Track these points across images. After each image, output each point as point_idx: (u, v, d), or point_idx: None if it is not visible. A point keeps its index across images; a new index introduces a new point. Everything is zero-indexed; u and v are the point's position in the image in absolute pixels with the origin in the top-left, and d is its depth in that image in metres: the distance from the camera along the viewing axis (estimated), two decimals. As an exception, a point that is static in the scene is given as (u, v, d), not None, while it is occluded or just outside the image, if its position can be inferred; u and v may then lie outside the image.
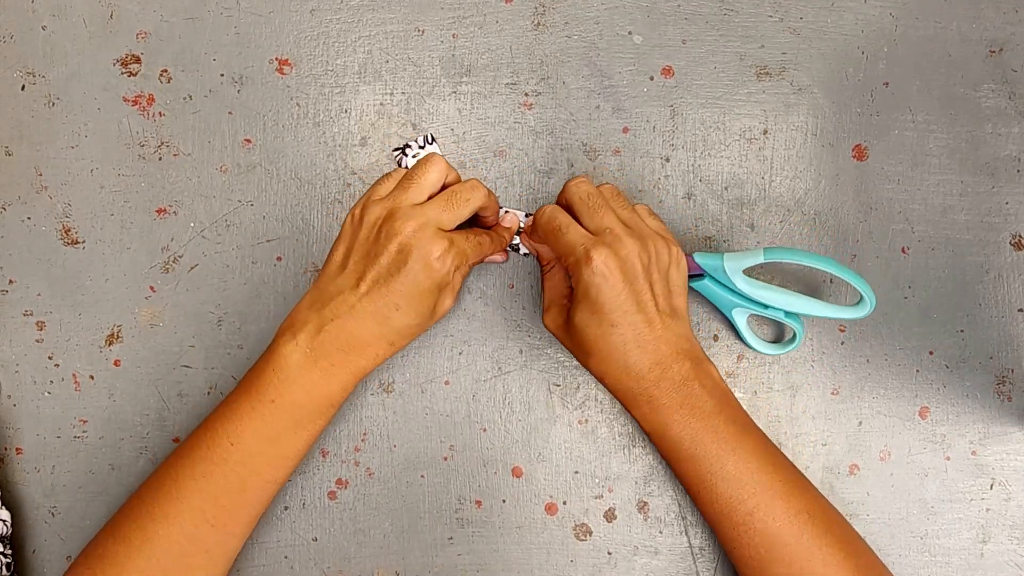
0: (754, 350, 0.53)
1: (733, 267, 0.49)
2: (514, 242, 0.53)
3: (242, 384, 0.46)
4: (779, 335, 0.54)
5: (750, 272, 0.51)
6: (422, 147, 0.53)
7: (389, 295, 0.45)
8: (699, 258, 0.51)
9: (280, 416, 0.45)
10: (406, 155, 0.53)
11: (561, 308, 0.50)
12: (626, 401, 0.48)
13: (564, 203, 0.49)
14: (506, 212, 0.53)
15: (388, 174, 0.49)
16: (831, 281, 0.54)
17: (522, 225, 0.53)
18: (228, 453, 0.45)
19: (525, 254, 0.53)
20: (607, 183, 0.50)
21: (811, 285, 0.54)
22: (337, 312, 0.45)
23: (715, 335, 0.54)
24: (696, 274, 0.51)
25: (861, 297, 0.49)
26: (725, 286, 0.51)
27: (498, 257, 0.52)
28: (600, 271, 0.45)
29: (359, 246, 0.46)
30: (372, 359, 0.47)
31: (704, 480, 0.46)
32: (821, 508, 0.46)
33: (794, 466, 0.48)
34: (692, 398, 0.46)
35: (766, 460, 0.46)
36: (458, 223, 0.47)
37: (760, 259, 0.49)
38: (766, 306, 0.51)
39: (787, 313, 0.51)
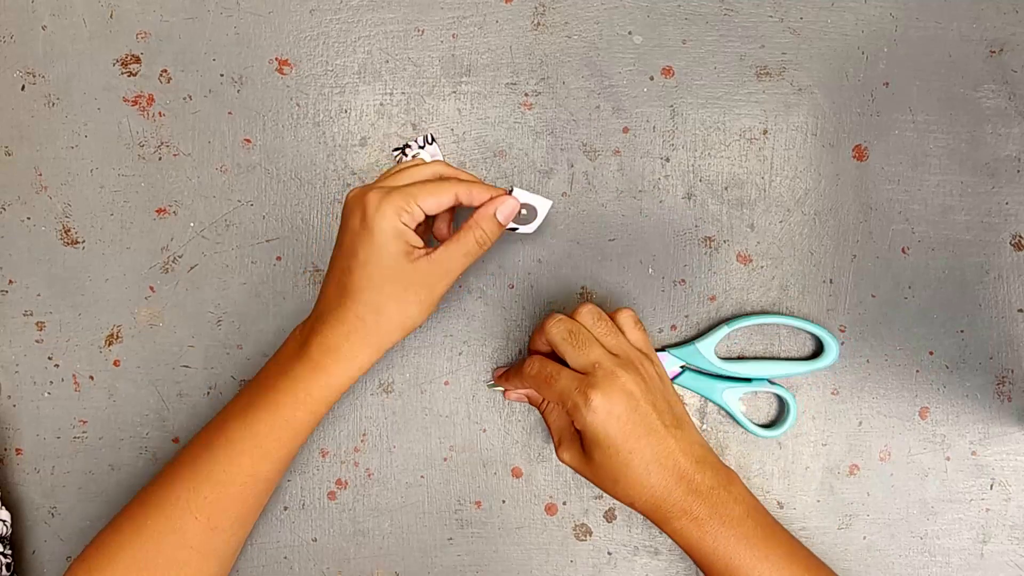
0: (754, 434, 0.53)
1: (706, 346, 0.52)
2: (522, 210, 0.48)
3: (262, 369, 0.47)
4: (779, 412, 0.54)
5: (724, 353, 0.53)
6: (422, 147, 0.53)
7: (340, 259, 0.44)
8: (673, 352, 0.52)
9: (272, 406, 0.45)
10: (405, 155, 0.53)
11: (572, 440, 0.48)
12: (658, 520, 0.47)
13: (545, 342, 0.48)
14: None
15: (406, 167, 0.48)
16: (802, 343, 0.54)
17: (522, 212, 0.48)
18: (213, 437, 0.45)
19: (516, 230, 0.49)
20: (586, 304, 0.48)
21: (802, 346, 0.54)
22: (319, 313, 0.46)
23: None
24: (674, 376, 0.53)
25: (824, 347, 0.52)
26: (706, 372, 0.52)
27: (507, 207, 0.46)
28: (602, 411, 0.44)
29: (338, 233, 0.46)
30: (352, 363, 0.45)
31: None
32: None
33: (823, 564, 0.48)
34: (720, 506, 0.46)
35: (797, 564, 0.46)
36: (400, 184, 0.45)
37: (725, 331, 0.52)
38: (749, 379, 0.52)
39: (771, 382, 0.53)
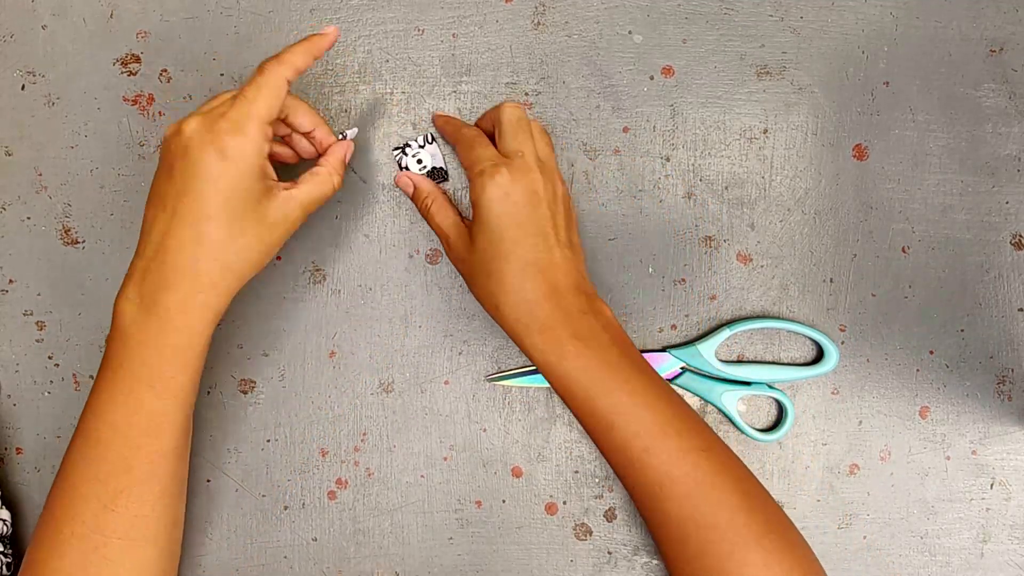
0: (753, 439, 0.53)
1: (707, 348, 0.52)
2: (404, 159, 0.52)
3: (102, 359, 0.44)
4: (778, 416, 0.54)
5: (724, 355, 0.53)
6: (422, 146, 0.53)
7: (193, 206, 0.41)
8: (673, 353, 0.52)
9: (131, 381, 0.42)
10: (405, 154, 0.53)
11: (460, 234, 0.48)
12: (519, 332, 0.46)
13: (491, 125, 0.49)
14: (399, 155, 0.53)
15: (218, 95, 0.45)
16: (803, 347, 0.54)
17: (346, 138, 0.50)
18: (99, 432, 0.43)
19: (400, 168, 0.53)
20: (537, 121, 0.51)
21: (803, 349, 0.54)
22: (155, 245, 0.42)
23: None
24: (673, 376, 0.53)
25: (824, 352, 0.52)
26: (706, 375, 0.52)
27: (347, 144, 0.48)
28: (503, 187, 0.45)
29: (158, 166, 0.43)
30: (211, 289, 0.42)
31: (599, 416, 0.44)
32: (718, 448, 0.45)
33: (690, 408, 0.46)
34: (587, 329, 0.45)
35: (660, 397, 0.45)
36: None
37: (727, 334, 0.52)
38: (748, 383, 0.52)
39: (770, 386, 0.53)
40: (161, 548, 0.45)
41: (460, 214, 0.51)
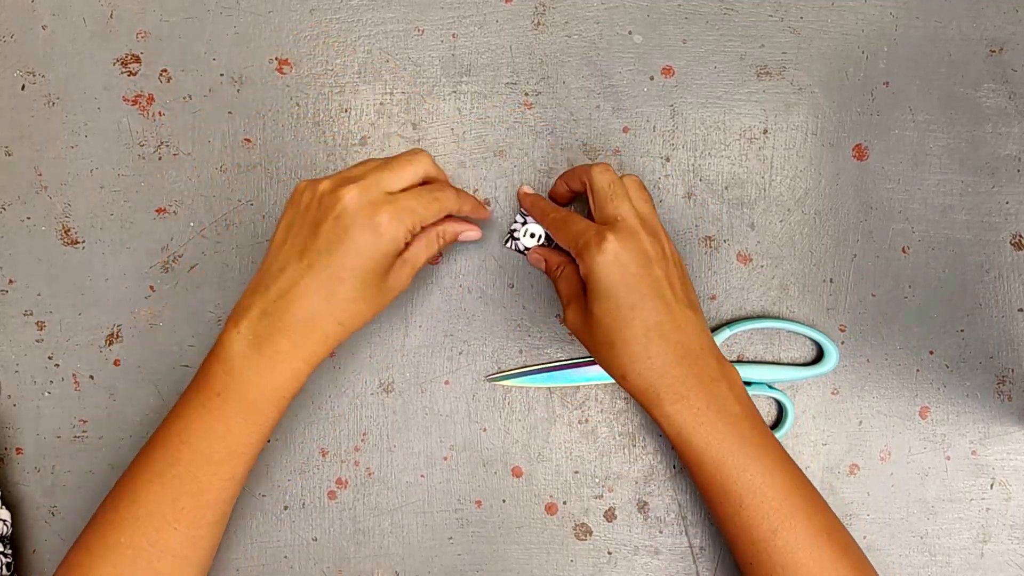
0: None
1: None
2: (517, 243, 0.52)
3: (193, 380, 0.45)
4: (778, 416, 0.54)
5: (724, 354, 0.52)
6: (524, 223, 0.52)
7: (332, 268, 0.42)
8: None
9: (228, 410, 0.43)
10: (515, 238, 0.52)
11: (580, 303, 0.46)
12: (649, 402, 0.44)
13: (581, 185, 0.48)
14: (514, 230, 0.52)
15: (363, 161, 0.47)
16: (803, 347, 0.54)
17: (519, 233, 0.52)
18: (179, 453, 0.43)
19: (522, 252, 0.53)
20: (633, 175, 0.49)
21: (803, 349, 0.54)
22: (281, 291, 0.43)
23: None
24: None
25: (823, 352, 0.52)
26: None
27: (473, 234, 0.50)
28: (611, 254, 0.43)
29: (299, 218, 0.44)
30: (322, 342, 0.44)
31: (728, 490, 0.44)
32: (839, 529, 0.45)
33: (811, 483, 0.46)
34: (720, 400, 0.44)
35: (789, 474, 0.44)
36: (404, 185, 0.45)
37: (727, 333, 0.52)
38: (749, 383, 0.52)
39: (770, 386, 0.52)
40: (203, 570, 0.46)
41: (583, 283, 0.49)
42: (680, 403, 0.44)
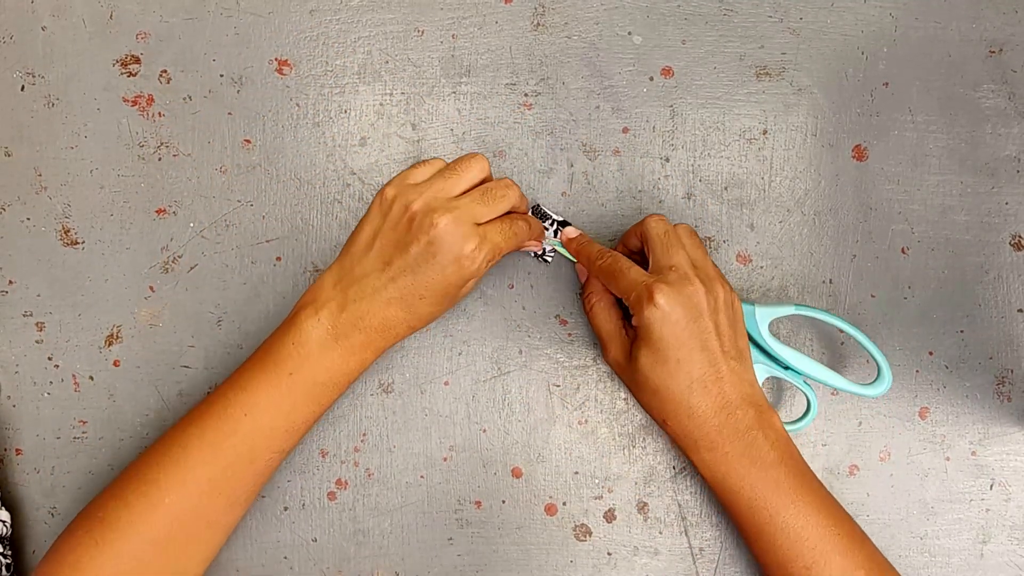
0: None
1: (763, 315, 0.50)
2: (545, 249, 0.52)
3: (258, 356, 0.47)
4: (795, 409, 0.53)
5: (775, 331, 0.52)
6: (555, 224, 0.53)
7: (416, 286, 0.45)
8: None
9: (297, 389, 0.46)
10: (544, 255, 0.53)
11: (621, 343, 0.49)
12: (686, 446, 0.47)
13: (638, 240, 0.49)
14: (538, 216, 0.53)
15: (425, 160, 0.50)
16: (847, 355, 0.53)
17: (548, 236, 0.53)
18: (240, 423, 0.45)
19: (547, 261, 0.53)
20: (684, 223, 0.50)
21: (833, 356, 0.54)
22: (362, 294, 0.46)
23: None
24: None
25: (878, 375, 0.49)
26: (752, 340, 0.50)
27: (534, 244, 0.52)
28: (663, 308, 0.45)
29: (388, 230, 0.46)
30: (392, 339, 0.48)
31: (763, 531, 0.46)
32: (877, 565, 0.46)
33: (852, 519, 0.47)
34: (754, 448, 0.45)
35: (826, 514, 0.46)
36: (492, 217, 0.47)
37: (791, 310, 0.50)
38: (786, 367, 0.50)
39: (805, 380, 0.51)
40: (224, 540, 0.47)
41: (622, 317, 0.50)
42: (715, 451, 0.46)
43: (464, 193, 0.47)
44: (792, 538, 0.45)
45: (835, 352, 0.54)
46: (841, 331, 0.53)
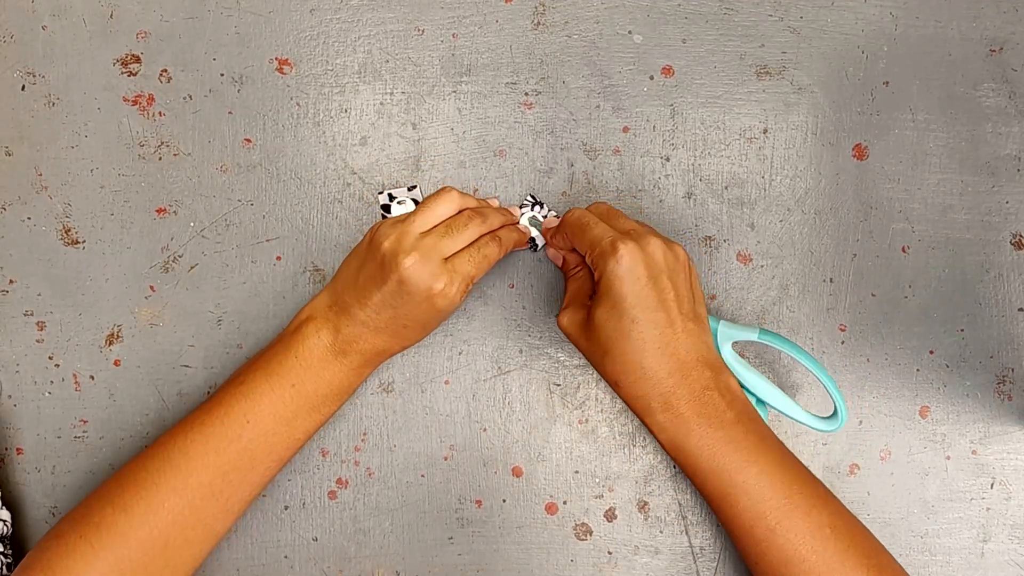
0: None
1: (725, 335, 0.49)
2: (533, 236, 0.52)
3: (259, 365, 0.47)
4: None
5: (739, 349, 0.51)
6: (405, 196, 0.53)
7: (397, 318, 0.47)
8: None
9: (299, 401, 0.47)
10: (389, 212, 0.53)
11: (579, 308, 0.48)
12: (640, 410, 0.46)
13: (566, 233, 0.49)
14: (523, 214, 0.53)
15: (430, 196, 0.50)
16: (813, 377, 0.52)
17: (541, 219, 0.53)
18: (243, 430, 0.46)
19: (539, 247, 0.53)
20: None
21: (801, 374, 0.53)
22: (351, 321, 0.47)
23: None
24: None
25: (834, 412, 0.49)
26: None
27: (518, 246, 0.52)
28: (625, 262, 0.44)
29: (368, 266, 0.47)
30: (387, 357, 0.50)
31: (725, 494, 0.45)
32: (844, 522, 0.45)
33: (815, 478, 0.46)
34: (711, 407, 0.45)
35: (788, 473, 0.45)
36: (460, 248, 0.47)
37: (753, 337, 0.48)
38: (742, 386, 0.49)
39: (758, 400, 0.49)
40: (215, 544, 0.47)
41: (592, 289, 0.49)
42: (669, 412, 0.45)
43: (432, 229, 0.47)
44: (755, 498, 0.44)
45: (801, 369, 0.52)
46: (800, 363, 0.52)
